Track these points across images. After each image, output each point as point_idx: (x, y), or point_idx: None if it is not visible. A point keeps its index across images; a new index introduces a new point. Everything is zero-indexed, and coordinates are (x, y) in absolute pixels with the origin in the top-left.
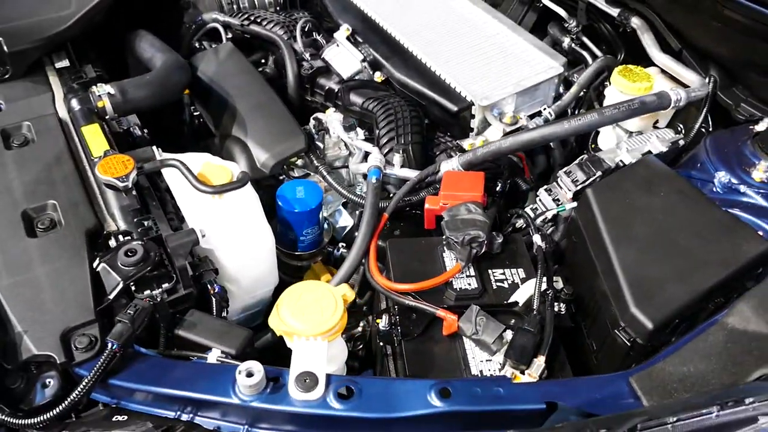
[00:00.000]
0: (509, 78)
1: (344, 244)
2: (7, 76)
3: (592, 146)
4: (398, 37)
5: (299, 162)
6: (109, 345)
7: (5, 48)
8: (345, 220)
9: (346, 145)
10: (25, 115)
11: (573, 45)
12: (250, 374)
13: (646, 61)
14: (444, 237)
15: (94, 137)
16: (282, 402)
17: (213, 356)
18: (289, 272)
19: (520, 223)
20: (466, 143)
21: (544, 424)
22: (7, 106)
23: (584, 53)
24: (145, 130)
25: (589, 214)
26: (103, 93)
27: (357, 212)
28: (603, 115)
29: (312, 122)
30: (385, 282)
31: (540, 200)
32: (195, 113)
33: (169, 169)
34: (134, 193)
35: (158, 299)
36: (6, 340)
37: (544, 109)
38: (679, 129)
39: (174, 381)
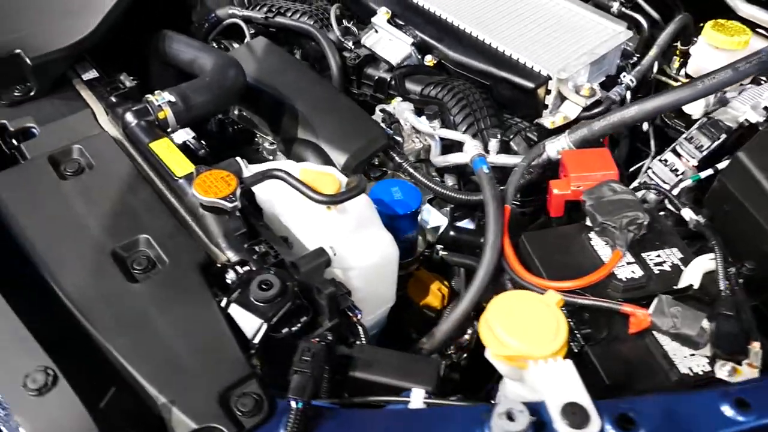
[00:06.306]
0: (580, 48)
1: (441, 246)
2: (31, 94)
3: (673, 116)
4: (447, 17)
5: (374, 161)
6: (293, 404)
7: (28, 61)
8: (436, 220)
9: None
10: (69, 137)
11: (623, 9)
12: (511, 417)
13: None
14: (598, 222)
15: (170, 154)
16: None
17: (418, 398)
18: None
19: (651, 197)
20: (546, 122)
21: None
22: (42, 129)
23: (638, 16)
24: (203, 142)
25: (748, 178)
26: (163, 102)
27: (448, 209)
28: (737, 71)
29: (380, 115)
30: (542, 282)
31: (654, 173)
32: (224, 120)
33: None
34: (238, 214)
35: (329, 338)
36: (148, 415)
37: (624, 76)
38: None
39: None
